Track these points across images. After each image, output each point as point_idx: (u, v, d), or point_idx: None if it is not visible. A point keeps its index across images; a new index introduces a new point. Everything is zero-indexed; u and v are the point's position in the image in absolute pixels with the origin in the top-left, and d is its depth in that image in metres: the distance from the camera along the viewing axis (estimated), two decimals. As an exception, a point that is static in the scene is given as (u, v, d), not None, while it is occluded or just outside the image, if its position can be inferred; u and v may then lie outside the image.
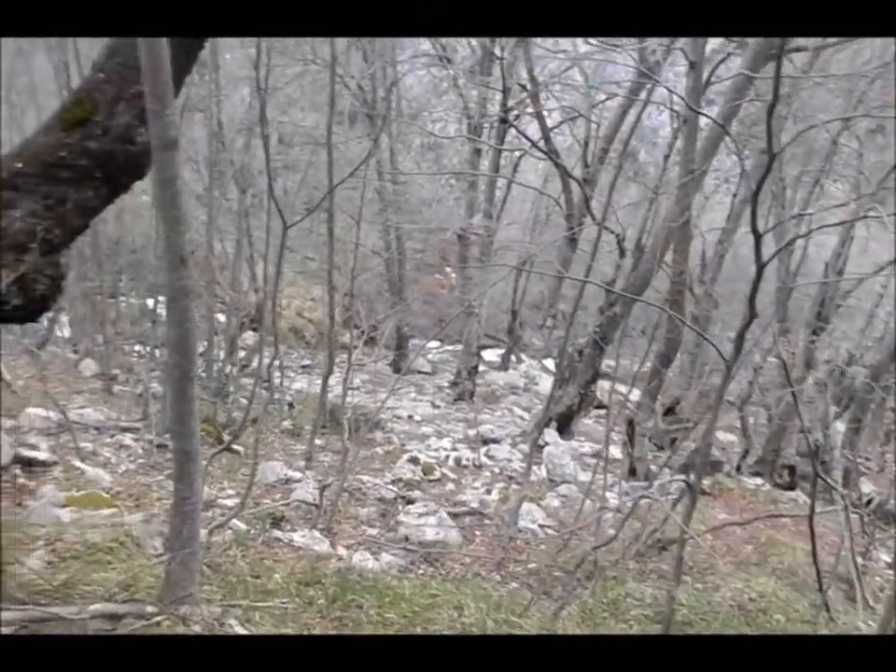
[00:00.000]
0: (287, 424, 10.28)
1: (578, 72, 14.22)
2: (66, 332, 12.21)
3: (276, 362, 10.20)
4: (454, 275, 12.65)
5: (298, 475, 7.61)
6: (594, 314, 11.01)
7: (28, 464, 6.15)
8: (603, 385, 11.63)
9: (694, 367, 11.90)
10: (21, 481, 5.89)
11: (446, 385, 15.00)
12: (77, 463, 6.47)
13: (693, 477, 3.38)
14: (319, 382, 13.15)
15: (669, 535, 5.97)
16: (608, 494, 6.88)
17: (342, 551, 5.93)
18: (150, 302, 12.37)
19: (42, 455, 6.29)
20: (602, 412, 12.39)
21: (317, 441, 8.97)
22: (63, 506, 5.25)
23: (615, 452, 8.75)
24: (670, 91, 9.05)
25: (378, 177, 13.14)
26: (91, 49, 9.60)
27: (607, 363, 11.81)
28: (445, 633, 3.98)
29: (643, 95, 11.18)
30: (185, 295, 3.38)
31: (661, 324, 9.93)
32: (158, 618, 3.36)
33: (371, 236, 14.29)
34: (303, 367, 14.80)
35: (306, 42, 12.79)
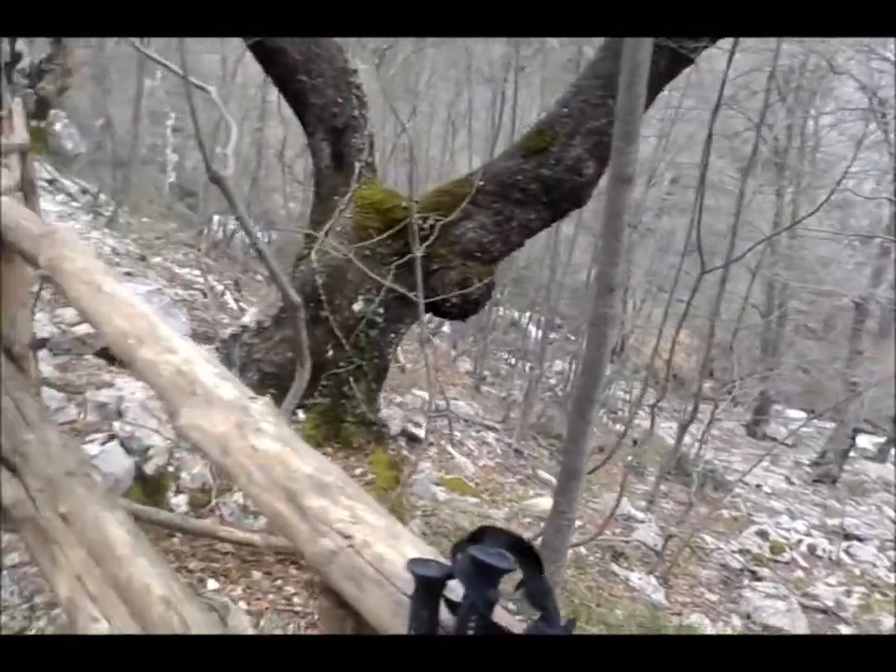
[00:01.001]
0: (629, 459, 10.20)
1: None
2: (449, 329, 13.54)
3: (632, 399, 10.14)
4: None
5: (639, 515, 7.49)
6: None
7: (411, 439, 6.92)
8: None
9: None
10: (404, 453, 6.65)
11: (806, 461, 13.59)
12: (449, 448, 7.12)
13: None
14: (664, 424, 12.88)
15: None
16: None
17: (678, 606, 5.71)
18: (523, 318, 13.28)
19: (422, 434, 7.02)
20: None
21: (661, 487, 8.77)
22: (437, 484, 5.84)
23: None
24: None
25: (773, 228, 12.38)
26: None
27: None
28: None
29: None
30: (606, 322, 3.49)
31: None
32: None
33: (754, 288, 13.52)
34: (651, 406, 14.57)
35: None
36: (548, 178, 4.11)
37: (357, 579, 1.07)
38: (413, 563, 0.97)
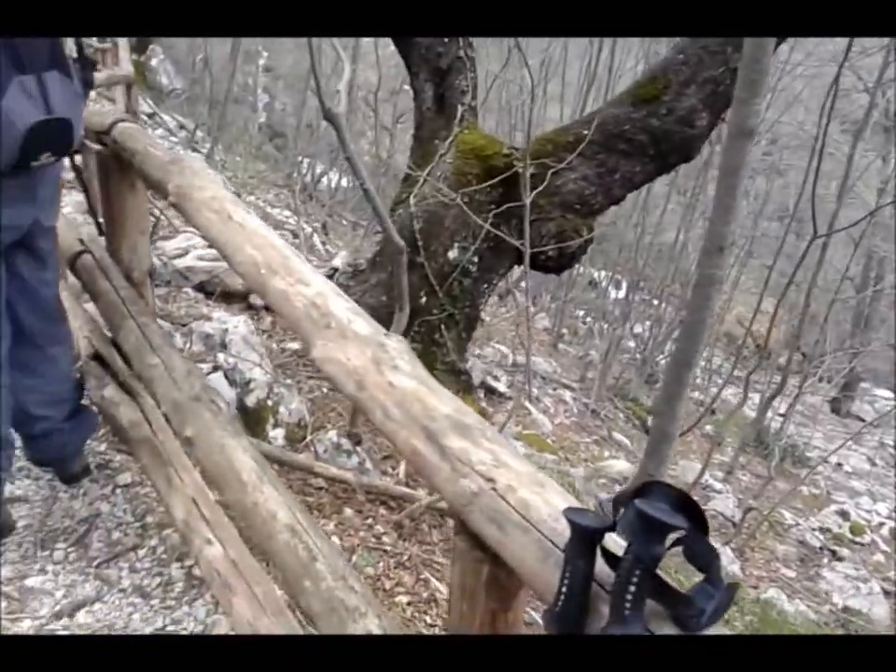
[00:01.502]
0: (708, 428, 10.00)
1: None
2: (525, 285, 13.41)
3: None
4: None
5: (717, 485, 7.36)
6: None
7: (490, 391, 6.93)
8: None
9: None
10: (482, 405, 6.66)
11: (890, 442, 13.05)
12: (527, 404, 7.10)
13: None
14: (743, 393, 12.55)
15: None
16: None
17: (754, 580, 5.63)
18: (601, 277, 13.02)
19: (501, 388, 7.02)
20: None
21: (739, 458, 8.59)
22: (517, 439, 5.84)
23: None
24: None
25: (879, 196, 11.70)
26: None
27: None
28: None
29: None
30: (711, 283, 3.36)
31: None
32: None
33: (847, 258, 12.90)
34: (745, 376, 14.22)
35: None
36: (657, 129, 3.93)
37: (499, 522, 1.05)
38: (571, 512, 0.94)
